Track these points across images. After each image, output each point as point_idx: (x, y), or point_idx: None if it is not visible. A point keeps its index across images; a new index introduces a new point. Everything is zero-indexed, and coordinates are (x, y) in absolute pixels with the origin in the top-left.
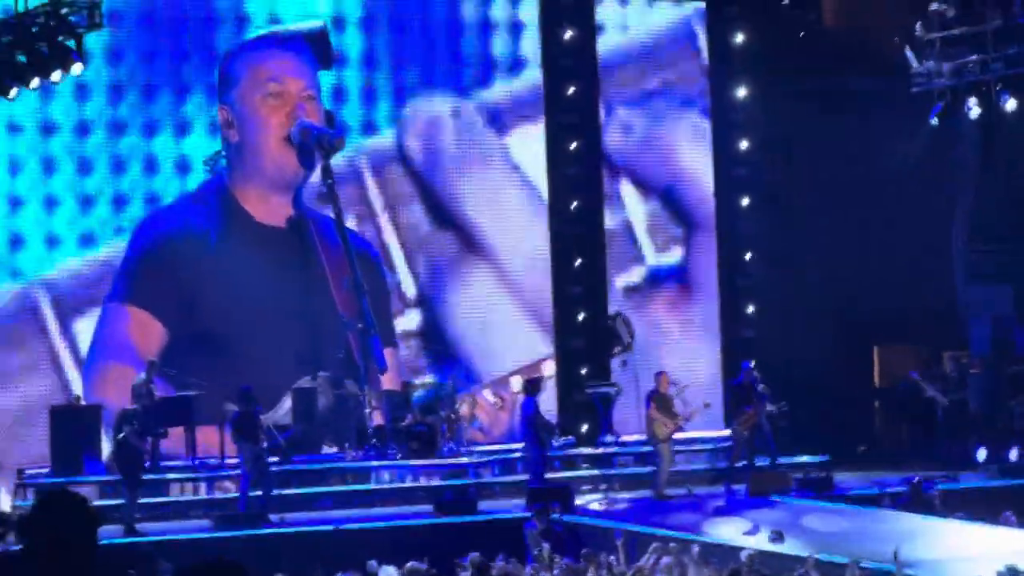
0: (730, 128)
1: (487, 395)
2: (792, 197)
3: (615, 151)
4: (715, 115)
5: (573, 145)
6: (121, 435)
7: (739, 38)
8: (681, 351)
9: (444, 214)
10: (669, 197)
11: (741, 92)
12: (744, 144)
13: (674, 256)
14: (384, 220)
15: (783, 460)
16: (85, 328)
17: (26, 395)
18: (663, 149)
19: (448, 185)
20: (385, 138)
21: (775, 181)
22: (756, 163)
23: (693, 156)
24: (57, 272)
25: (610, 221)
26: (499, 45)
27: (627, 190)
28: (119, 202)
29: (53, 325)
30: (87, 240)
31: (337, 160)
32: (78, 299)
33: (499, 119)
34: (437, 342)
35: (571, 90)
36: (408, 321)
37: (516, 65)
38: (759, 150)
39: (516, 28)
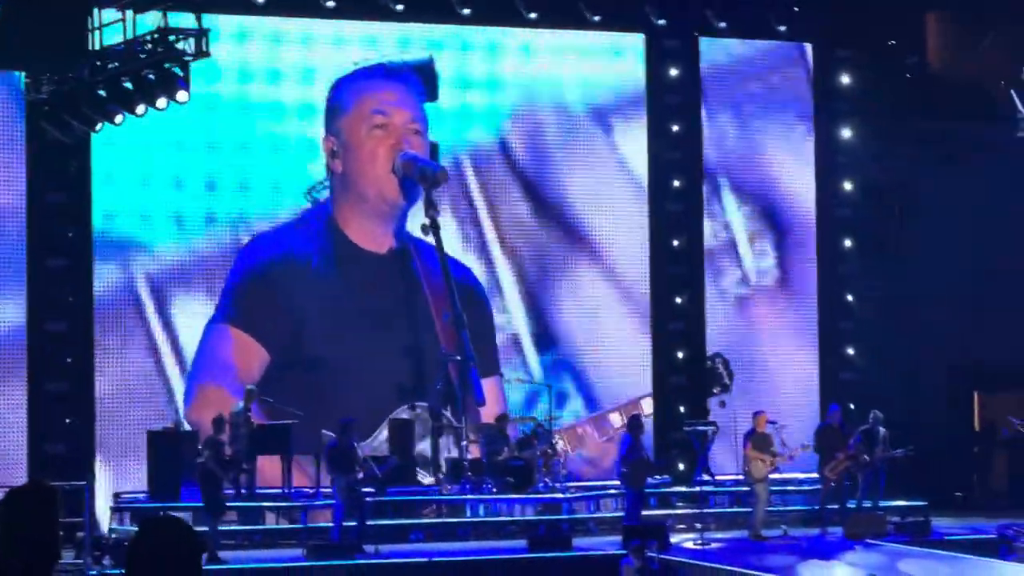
0: (833, 169)
1: (591, 429)
2: (895, 240)
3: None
4: (819, 155)
5: (676, 183)
6: (200, 460)
7: (844, 79)
8: (778, 389)
9: (542, 237)
10: (768, 228)
11: (846, 133)
12: (847, 186)
13: (770, 297)
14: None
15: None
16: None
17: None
18: (764, 184)
19: (547, 206)
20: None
21: (878, 223)
22: (859, 205)
23: (796, 191)
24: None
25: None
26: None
27: (728, 220)
28: (211, 221)
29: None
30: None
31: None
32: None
33: (600, 156)
34: (535, 375)
35: (675, 128)
36: (511, 344)
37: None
38: (862, 192)
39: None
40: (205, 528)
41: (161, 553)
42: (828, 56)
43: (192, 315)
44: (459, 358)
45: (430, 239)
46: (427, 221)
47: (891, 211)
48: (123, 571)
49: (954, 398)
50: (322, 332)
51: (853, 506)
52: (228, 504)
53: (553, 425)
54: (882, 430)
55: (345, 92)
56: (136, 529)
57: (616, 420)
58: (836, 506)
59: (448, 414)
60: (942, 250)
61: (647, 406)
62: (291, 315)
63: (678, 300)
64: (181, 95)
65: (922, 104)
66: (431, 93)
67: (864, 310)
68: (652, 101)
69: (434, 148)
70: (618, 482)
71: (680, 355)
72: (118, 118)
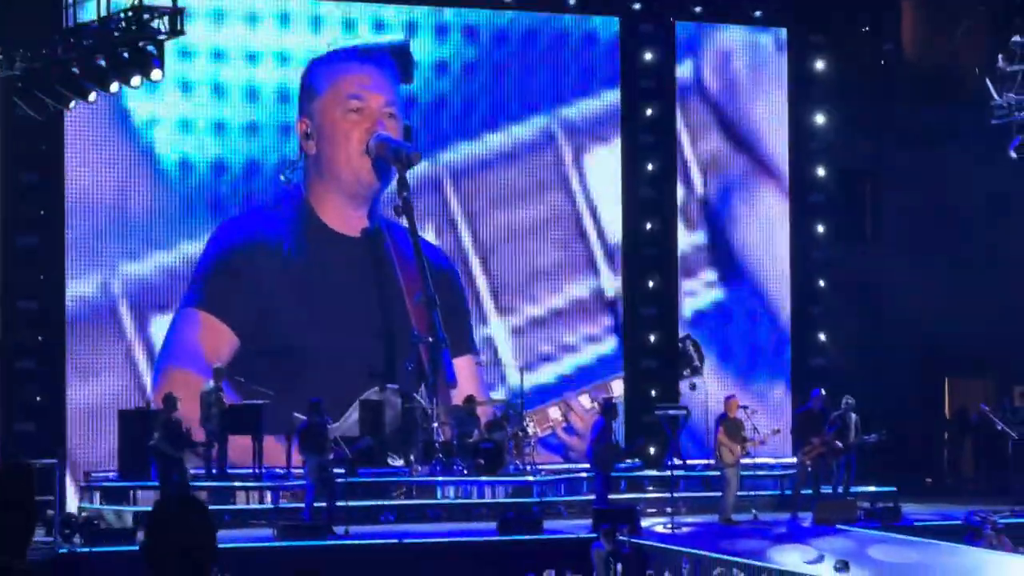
0: (807, 155)
1: (583, 401)
2: (869, 225)
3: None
4: (792, 141)
5: (649, 167)
6: (152, 441)
7: (819, 65)
8: (750, 376)
9: (514, 237)
10: (740, 219)
11: (819, 119)
12: (821, 171)
13: (743, 282)
14: (464, 232)
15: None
16: (161, 330)
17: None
18: (736, 174)
19: (519, 208)
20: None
21: (851, 209)
22: (832, 190)
23: (766, 180)
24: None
25: (683, 242)
26: (577, 65)
27: (699, 212)
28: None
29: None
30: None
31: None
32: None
33: (574, 139)
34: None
35: (648, 112)
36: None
37: (594, 86)
38: (836, 178)
39: (594, 47)
40: None
41: (179, 533)
42: (803, 42)
43: (164, 298)
44: (431, 339)
45: (403, 221)
46: (400, 202)
47: (860, 195)
48: (140, 550)
49: (925, 384)
50: (292, 315)
51: (829, 491)
52: (195, 483)
53: (524, 407)
54: (854, 416)
55: (320, 75)
56: (150, 509)
57: (586, 402)
58: (809, 491)
59: (419, 396)
60: (914, 236)
61: (617, 388)
62: (261, 298)
63: (651, 284)
64: (156, 74)
65: (896, 91)
66: (406, 76)
67: (836, 296)
68: (626, 85)
69: (407, 130)
70: (588, 465)
71: (652, 339)
72: (91, 96)
